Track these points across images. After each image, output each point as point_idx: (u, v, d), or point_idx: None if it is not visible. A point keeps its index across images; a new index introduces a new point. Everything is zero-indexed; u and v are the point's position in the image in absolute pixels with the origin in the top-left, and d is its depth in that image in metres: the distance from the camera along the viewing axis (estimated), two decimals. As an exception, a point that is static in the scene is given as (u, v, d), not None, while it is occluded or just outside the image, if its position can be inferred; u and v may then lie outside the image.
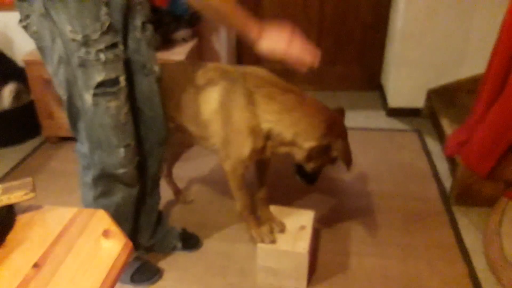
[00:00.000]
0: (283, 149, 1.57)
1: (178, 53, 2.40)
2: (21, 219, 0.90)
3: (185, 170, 2.35)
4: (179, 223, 2.01)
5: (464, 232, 1.93)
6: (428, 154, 2.53)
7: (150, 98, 1.49)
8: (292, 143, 1.52)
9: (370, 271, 1.76)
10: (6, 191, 0.86)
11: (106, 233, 0.86)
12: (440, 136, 2.58)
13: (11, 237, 0.85)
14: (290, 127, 1.50)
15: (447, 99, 2.70)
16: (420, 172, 2.37)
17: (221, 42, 2.92)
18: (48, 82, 2.40)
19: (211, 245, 1.90)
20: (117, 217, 1.51)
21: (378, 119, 2.96)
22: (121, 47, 1.31)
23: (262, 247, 1.64)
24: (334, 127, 1.51)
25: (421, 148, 2.59)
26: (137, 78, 1.43)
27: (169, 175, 2.12)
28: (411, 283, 1.70)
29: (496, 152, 1.88)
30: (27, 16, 1.25)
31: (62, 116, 2.46)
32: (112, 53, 1.28)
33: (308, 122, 1.49)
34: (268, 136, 1.53)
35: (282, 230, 1.68)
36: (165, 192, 2.17)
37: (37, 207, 0.93)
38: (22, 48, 2.71)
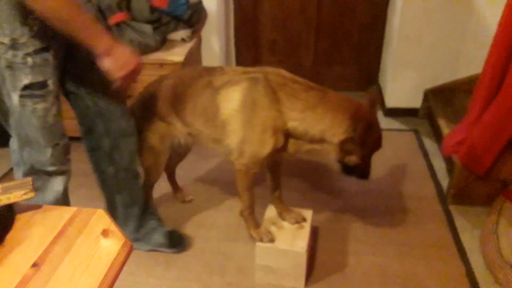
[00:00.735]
0: (310, 147, 1.55)
1: (177, 54, 2.39)
2: (21, 219, 0.90)
3: (184, 169, 2.35)
4: (178, 222, 2.02)
5: (461, 231, 1.94)
6: (425, 153, 2.54)
7: (104, 92, 1.52)
8: (322, 140, 1.51)
9: (368, 269, 1.76)
10: (5, 190, 0.86)
11: (105, 233, 0.86)
12: (437, 136, 2.59)
13: (10, 236, 0.85)
14: (316, 124, 1.49)
15: (444, 99, 2.71)
16: (417, 171, 2.38)
17: (220, 43, 2.93)
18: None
19: (209, 244, 1.91)
20: None
21: (376, 119, 2.97)
22: (51, 51, 1.31)
23: (261, 246, 1.65)
24: (359, 115, 1.48)
25: (418, 148, 2.60)
26: (88, 75, 1.48)
27: (172, 175, 2.13)
28: (408, 282, 1.71)
29: (493, 151, 1.89)
30: None
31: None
32: (40, 58, 1.28)
33: (333, 117, 1.48)
34: (290, 134, 1.52)
35: (304, 219, 1.73)
36: (166, 192, 2.18)
37: (37, 207, 0.94)
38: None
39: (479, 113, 1.94)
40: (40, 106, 1.33)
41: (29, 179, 0.90)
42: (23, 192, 0.87)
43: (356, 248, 1.87)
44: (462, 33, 2.64)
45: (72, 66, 1.47)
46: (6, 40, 1.23)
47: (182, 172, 2.32)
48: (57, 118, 1.40)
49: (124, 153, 1.66)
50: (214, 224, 2.02)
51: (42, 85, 1.31)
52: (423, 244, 1.88)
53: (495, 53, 1.86)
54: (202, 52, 2.83)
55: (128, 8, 2.38)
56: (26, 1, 1.18)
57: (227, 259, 1.83)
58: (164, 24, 2.47)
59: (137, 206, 1.78)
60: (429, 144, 2.63)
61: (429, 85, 2.83)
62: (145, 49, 2.35)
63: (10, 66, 1.26)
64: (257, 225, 1.73)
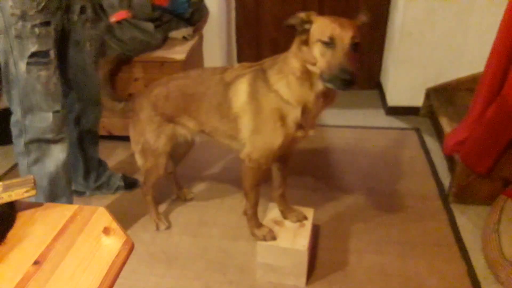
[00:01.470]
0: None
1: (179, 52, 2.39)
2: (22, 216, 0.90)
3: (185, 168, 2.35)
4: (180, 219, 2.02)
5: (462, 230, 1.94)
6: (427, 152, 2.53)
7: (83, 68, 1.80)
8: (307, 71, 1.43)
9: (369, 268, 1.76)
10: (7, 188, 0.87)
11: (106, 231, 0.86)
12: (439, 134, 2.58)
13: (11, 234, 0.85)
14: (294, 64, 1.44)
15: (446, 97, 2.71)
16: (419, 170, 2.37)
17: (221, 41, 2.92)
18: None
19: (211, 242, 1.91)
20: (54, 189, 1.73)
21: (377, 118, 2.96)
22: (52, 26, 1.56)
23: (262, 244, 1.65)
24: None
25: (420, 147, 2.59)
26: (71, 51, 1.74)
27: (173, 172, 2.13)
28: (409, 281, 1.71)
29: (494, 150, 1.89)
30: None
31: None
32: (45, 29, 1.53)
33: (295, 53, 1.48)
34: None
35: (305, 218, 1.74)
36: (166, 192, 2.18)
37: (38, 204, 0.94)
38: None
39: (480, 112, 1.94)
40: (44, 73, 1.57)
41: (30, 176, 0.90)
42: (24, 189, 0.88)
43: (357, 246, 1.87)
44: (464, 31, 2.63)
45: (63, 46, 1.70)
46: (18, 11, 1.47)
47: (183, 170, 2.33)
48: (57, 86, 1.63)
49: (91, 118, 1.96)
50: (215, 223, 2.02)
51: (46, 54, 1.56)
52: (425, 243, 1.88)
53: (497, 51, 1.85)
54: (204, 50, 2.83)
55: (130, 6, 2.38)
56: None
57: (228, 257, 1.83)
58: (165, 22, 2.47)
59: (95, 160, 2.11)
60: (431, 143, 2.63)
61: (431, 84, 2.83)
62: (146, 47, 2.36)
63: (19, 35, 1.50)
64: (259, 224, 1.73)
